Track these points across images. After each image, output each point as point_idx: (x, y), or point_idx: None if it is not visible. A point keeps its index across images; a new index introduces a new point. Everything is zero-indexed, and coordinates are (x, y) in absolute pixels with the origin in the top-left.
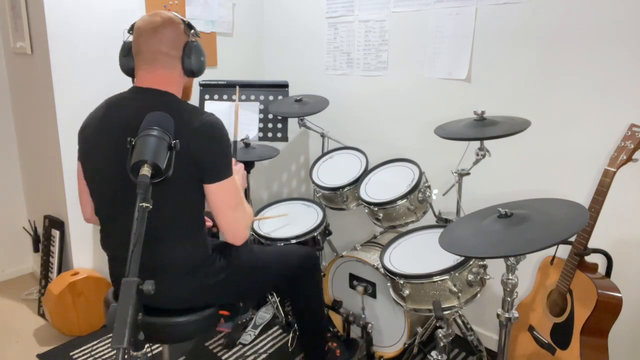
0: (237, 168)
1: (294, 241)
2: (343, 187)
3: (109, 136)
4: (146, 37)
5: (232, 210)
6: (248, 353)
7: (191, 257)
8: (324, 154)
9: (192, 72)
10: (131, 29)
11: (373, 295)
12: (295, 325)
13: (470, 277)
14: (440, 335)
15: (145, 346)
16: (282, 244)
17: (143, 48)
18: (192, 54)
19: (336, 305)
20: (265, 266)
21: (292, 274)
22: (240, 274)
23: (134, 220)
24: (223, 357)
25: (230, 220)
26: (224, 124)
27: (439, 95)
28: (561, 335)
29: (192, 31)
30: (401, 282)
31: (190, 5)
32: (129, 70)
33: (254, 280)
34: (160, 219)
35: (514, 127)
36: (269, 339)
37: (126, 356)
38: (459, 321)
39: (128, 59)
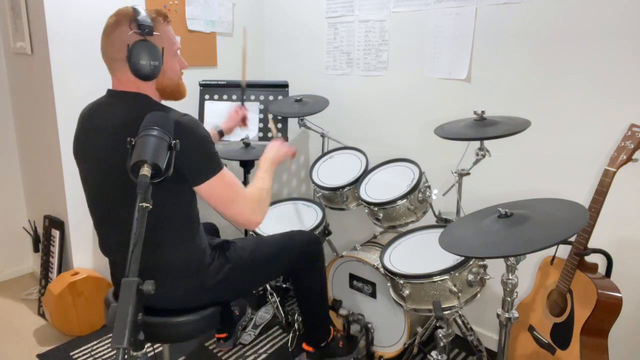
0: (277, 144)
1: None
2: (343, 187)
3: (95, 141)
4: (102, 40)
5: (231, 203)
6: (248, 353)
7: (188, 259)
8: (324, 154)
9: (141, 76)
10: None
11: (373, 295)
12: (298, 308)
13: (470, 277)
14: (440, 335)
15: (145, 346)
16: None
17: (101, 51)
18: (137, 55)
19: (336, 305)
20: (266, 259)
21: (294, 262)
22: (241, 270)
23: (133, 221)
24: (223, 357)
25: (233, 213)
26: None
27: (439, 95)
28: (561, 335)
29: (140, 30)
30: (401, 282)
31: (190, 5)
32: None
33: (256, 274)
34: (152, 221)
35: (514, 127)
36: (269, 339)
37: (126, 356)
38: (459, 321)
39: None
